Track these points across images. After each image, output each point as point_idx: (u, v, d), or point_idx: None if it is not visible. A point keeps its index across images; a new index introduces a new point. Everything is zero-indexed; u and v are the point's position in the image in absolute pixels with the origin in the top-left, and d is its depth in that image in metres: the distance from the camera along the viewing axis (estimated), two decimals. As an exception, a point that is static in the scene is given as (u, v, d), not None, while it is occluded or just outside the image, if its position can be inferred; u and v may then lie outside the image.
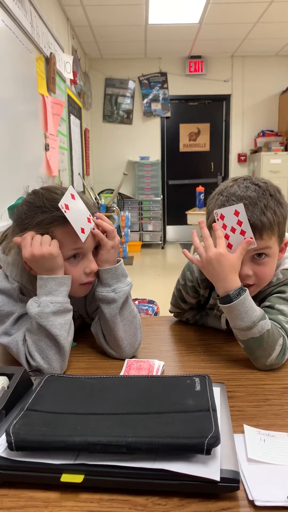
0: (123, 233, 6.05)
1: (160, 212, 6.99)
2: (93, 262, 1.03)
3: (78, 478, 0.59)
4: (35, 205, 0.98)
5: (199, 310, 1.28)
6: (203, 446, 0.58)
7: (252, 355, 0.97)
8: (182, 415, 0.66)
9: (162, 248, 7.07)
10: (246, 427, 0.74)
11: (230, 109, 7.05)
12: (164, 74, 6.89)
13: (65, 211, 0.94)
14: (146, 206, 6.95)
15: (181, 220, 7.05)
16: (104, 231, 1.05)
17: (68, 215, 0.94)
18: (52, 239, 0.96)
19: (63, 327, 0.96)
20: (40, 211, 0.97)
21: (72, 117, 5.15)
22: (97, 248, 1.05)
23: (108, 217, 4.68)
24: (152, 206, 6.96)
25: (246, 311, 0.93)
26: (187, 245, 6.72)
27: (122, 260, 1.07)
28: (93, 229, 1.01)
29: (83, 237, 0.97)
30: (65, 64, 4.56)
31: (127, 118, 7.01)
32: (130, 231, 6.58)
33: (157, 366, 0.98)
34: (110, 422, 0.65)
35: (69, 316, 0.99)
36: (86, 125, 6.45)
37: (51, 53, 3.84)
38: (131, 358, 1.05)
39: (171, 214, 7.40)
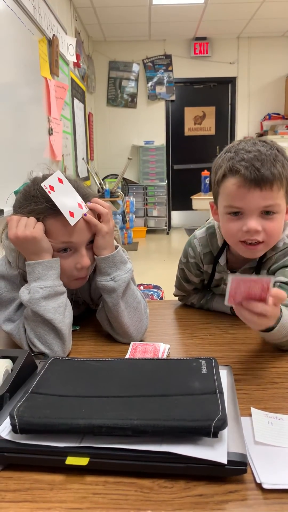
0: (127, 219, 6.02)
1: (165, 197, 6.94)
2: (85, 257, 0.99)
3: (83, 461, 0.58)
4: (29, 194, 0.97)
5: (203, 294, 1.27)
6: (210, 429, 0.57)
7: None
8: (189, 398, 0.65)
9: (167, 233, 7.04)
10: (253, 410, 0.73)
11: (236, 92, 6.94)
12: (168, 57, 6.78)
13: (49, 192, 0.92)
14: (151, 191, 6.91)
15: (186, 205, 6.98)
16: (99, 216, 1.01)
17: (53, 196, 0.92)
18: (44, 226, 0.94)
19: (57, 311, 0.94)
20: (33, 200, 0.95)
21: (75, 101, 5.09)
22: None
23: (113, 202, 4.62)
24: (157, 191, 6.91)
25: (284, 328, 0.89)
26: (192, 231, 6.64)
27: (120, 246, 1.04)
28: (85, 215, 0.97)
29: (72, 221, 0.93)
30: (68, 47, 4.49)
31: (131, 102, 6.93)
32: (135, 217, 6.55)
33: (162, 349, 0.97)
34: (115, 405, 0.64)
35: (63, 298, 0.97)
36: (90, 109, 6.38)
37: (53, 35, 3.78)
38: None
39: (176, 199, 7.36)
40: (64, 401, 0.66)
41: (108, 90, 6.88)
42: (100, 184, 5.54)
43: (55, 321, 0.93)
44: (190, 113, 7.13)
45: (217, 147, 7.18)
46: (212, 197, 1.09)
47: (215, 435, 0.57)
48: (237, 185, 0.96)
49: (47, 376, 0.73)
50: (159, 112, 7.00)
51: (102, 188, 5.38)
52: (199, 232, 1.21)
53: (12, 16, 2.78)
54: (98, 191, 5.49)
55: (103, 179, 6.12)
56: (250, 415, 0.73)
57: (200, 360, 0.76)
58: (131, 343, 1.00)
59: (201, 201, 5.05)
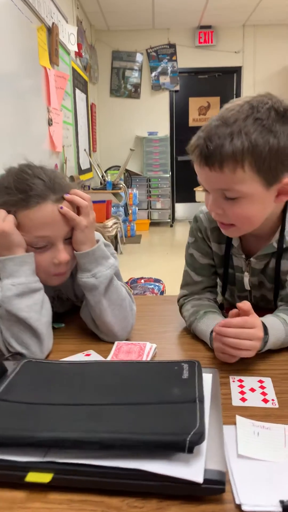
0: (130, 211, 5.96)
1: (169, 190, 6.86)
2: (63, 252, 0.93)
3: (45, 478, 0.53)
4: (2, 185, 0.91)
5: (199, 308, 1.04)
6: (184, 444, 0.52)
7: None
8: (165, 407, 0.59)
9: (171, 226, 6.97)
10: (238, 418, 0.68)
11: (241, 81, 6.82)
12: (172, 46, 6.66)
13: None
14: (154, 183, 6.82)
15: (190, 197, 6.89)
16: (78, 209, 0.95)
17: None
18: (15, 219, 0.89)
19: (32, 309, 0.89)
20: (6, 192, 0.90)
21: (77, 91, 5.02)
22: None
23: (115, 194, 4.57)
24: (161, 183, 6.82)
25: (280, 341, 0.88)
26: (196, 223, 6.59)
27: (101, 240, 0.98)
28: (61, 208, 0.91)
29: None
30: (69, 36, 4.41)
31: (134, 92, 6.83)
32: (138, 209, 6.48)
33: (148, 349, 0.91)
34: (85, 414, 0.59)
35: (38, 295, 0.92)
36: (93, 99, 6.30)
37: (53, 23, 3.70)
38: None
39: (180, 191, 7.27)
40: (31, 410, 0.61)
41: (111, 81, 6.78)
42: (102, 176, 5.47)
43: (30, 320, 0.88)
44: (194, 103, 7.03)
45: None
46: None
47: (190, 450, 0.52)
48: (193, 160, 0.86)
49: (17, 380, 0.68)
50: (163, 102, 6.89)
51: (104, 180, 5.32)
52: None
53: (8, 3, 2.71)
54: (100, 183, 5.43)
55: (105, 171, 6.05)
56: (235, 423, 0.68)
57: (183, 364, 0.71)
58: (116, 343, 0.95)
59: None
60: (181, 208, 7.44)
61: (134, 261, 4.81)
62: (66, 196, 0.93)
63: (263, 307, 1.07)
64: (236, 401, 0.74)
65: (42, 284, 0.95)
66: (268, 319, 0.89)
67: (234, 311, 0.85)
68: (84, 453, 0.54)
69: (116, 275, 1.03)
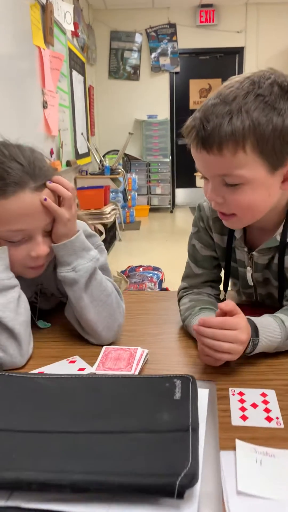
0: (129, 197, 5.84)
1: (169, 174, 6.72)
2: (41, 245, 0.84)
3: (7, 527, 0.44)
4: None
5: (195, 304, 0.97)
6: (173, 489, 0.43)
7: None
8: (153, 438, 0.51)
9: (171, 212, 6.85)
10: (238, 443, 0.59)
11: (243, 63, 6.62)
12: (173, 26, 6.46)
13: None
14: (154, 168, 6.67)
15: (191, 182, 6.79)
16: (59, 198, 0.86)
17: None
18: None
19: (7, 307, 0.81)
20: None
21: (74, 72, 4.86)
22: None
23: (113, 180, 4.45)
24: (161, 167, 6.68)
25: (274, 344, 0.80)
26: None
27: (81, 230, 0.89)
28: (45, 199, 0.81)
29: None
30: (65, 14, 4.23)
31: (134, 74, 6.64)
32: (137, 195, 6.35)
33: (139, 356, 0.82)
34: (57, 446, 0.50)
35: (13, 293, 0.84)
36: (91, 81, 6.12)
37: (47, 0, 3.54)
38: (110, 343, 0.90)
39: (180, 176, 7.12)
40: (-4, 438, 0.52)
41: (109, 62, 6.60)
42: (100, 161, 5.34)
43: (5, 320, 0.80)
44: (195, 85, 6.84)
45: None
46: None
47: (180, 495, 0.44)
48: (190, 144, 0.77)
49: (-17, 400, 0.59)
50: (163, 84, 6.71)
51: (102, 165, 5.19)
52: None
53: (-3, -23, 2.56)
54: (98, 168, 5.30)
55: (104, 155, 5.91)
56: (234, 448, 0.59)
57: (175, 380, 0.62)
58: (103, 348, 0.86)
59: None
60: (181, 194, 7.31)
61: (133, 248, 4.72)
62: (49, 185, 0.83)
63: (270, 306, 0.98)
64: (236, 419, 0.65)
65: (18, 279, 0.86)
66: (263, 319, 0.82)
67: (220, 307, 0.77)
68: (54, 495, 0.45)
69: (102, 269, 0.94)
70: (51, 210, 0.82)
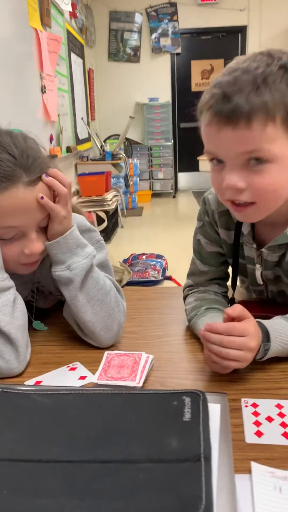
0: (131, 182, 5.75)
1: (171, 159, 6.60)
2: (35, 242, 0.78)
3: None
4: None
5: (201, 303, 0.91)
6: (185, 535, 0.38)
7: None
8: (160, 468, 0.45)
9: (174, 197, 6.75)
10: (254, 466, 0.54)
11: (246, 42, 6.44)
12: (173, 5, 6.27)
13: None
14: (156, 152, 6.56)
15: (194, 166, 6.63)
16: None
17: None
18: None
19: (1, 311, 0.76)
20: None
21: (73, 55, 4.73)
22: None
23: (115, 165, 4.36)
24: (163, 152, 6.56)
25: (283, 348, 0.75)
26: (199, 193, 6.39)
27: (75, 225, 0.83)
28: (42, 198, 0.75)
29: None
30: (62, -6, 4.11)
31: (134, 56, 6.48)
32: (139, 180, 6.24)
33: (143, 362, 0.77)
34: (54, 481, 0.45)
35: (8, 295, 0.79)
36: (90, 64, 5.98)
37: (43, -21, 3.42)
38: (111, 346, 0.86)
39: (183, 160, 7.01)
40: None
41: (109, 44, 6.44)
42: (101, 146, 5.24)
43: (0, 324, 0.75)
44: (197, 66, 6.68)
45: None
46: None
47: None
48: (207, 122, 0.69)
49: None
50: (164, 66, 6.55)
51: (103, 150, 5.10)
52: None
53: None
54: (100, 154, 5.21)
55: (104, 140, 5.80)
56: (249, 470, 0.54)
57: (184, 397, 0.56)
58: (105, 354, 0.80)
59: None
60: (184, 178, 7.20)
61: (136, 235, 4.65)
62: (45, 179, 0.77)
63: (282, 303, 0.93)
64: (250, 436, 0.60)
65: (14, 277, 0.81)
66: (275, 322, 0.76)
67: (227, 313, 0.71)
68: None
69: (102, 267, 0.89)
70: (47, 208, 0.77)
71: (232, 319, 0.71)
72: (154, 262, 3.34)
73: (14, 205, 0.73)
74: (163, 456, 0.47)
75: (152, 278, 3.15)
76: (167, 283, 3.15)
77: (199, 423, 0.51)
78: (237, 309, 0.71)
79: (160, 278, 3.15)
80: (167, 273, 3.27)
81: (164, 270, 3.27)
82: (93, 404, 0.57)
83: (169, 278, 3.19)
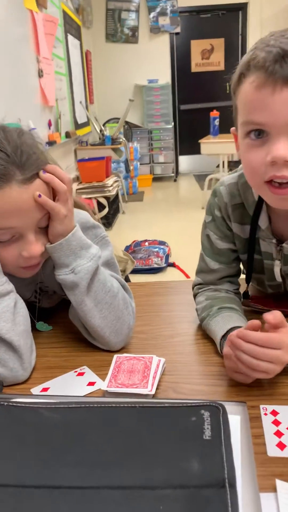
0: (132, 167, 5.67)
1: (172, 142, 6.49)
2: (33, 244, 0.73)
3: None
4: None
5: (213, 302, 0.86)
6: None
7: None
8: (181, 495, 0.42)
9: (175, 181, 6.67)
10: (279, 485, 0.50)
11: (247, 20, 6.27)
12: (172, -18, 6.10)
13: None
14: (156, 136, 6.45)
15: (195, 149, 6.52)
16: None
17: None
18: None
19: (2, 318, 0.72)
20: None
21: (70, 37, 4.61)
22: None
23: (115, 150, 4.27)
24: (163, 135, 6.45)
25: None
26: (201, 176, 6.30)
27: (78, 225, 0.78)
28: (39, 196, 0.70)
29: None
30: (57, -27, 3.98)
31: (132, 37, 6.33)
32: (140, 164, 6.15)
33: (155, 366, 0.73)
34: (61, 508, 0.41)
35: (8, 300, 0.75)
36: (87, 46, 5.84)
37: None
38: (121, 349, 0.82)
39: (183, 143, 6.90)
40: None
41: (106, 24, 6.27)
42: (100, 130, 5.15)
43: (1, 332, 0.72)
44: (197, 46, 6.52)
45: (227, 84, 6.64)
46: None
47: None
48: (255, 84, 0.63)
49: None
50: (163, 46, 6.39)
51: (102, 134, 5.01)
52: (229, 178, 0.87)
53: None
54: (99, 138, 5.12)
55: (104, 124, 5.71)
56: (274, 489, 0.50)
57: (202, 411, 0.52)
58: (114, 357, 0.76)
59: (210, 145, 4.66)
60: (185, 161, 7.11)
61: (137, 221, 4.60)
62: (43, 176, 0.72)
63: None
64: (272, 448, 0.56)
65: (15, 278, 0.77)
66: None
67: (254, 322, 0.65)
68: None
69: (108, 265, 0.85)
70: (46, 207, 0.72)
71: (256, 327, 0.66)
72: (157, 249, 3.30)
73: (8, 205, 0.69)
74: (184, 481, 0.43)
75: (156, 265, 3.11)
76: (170, 270, 3.11)
77: (221, 443, 0.47)
78: (278, 316, 0.65)
79: (164, 265, 3.11)
80: (170, 260, 3.23)
81: (167, 256, 3.23)
82: (105, 420, 0.53)
83: (173, 264, 3.15)
